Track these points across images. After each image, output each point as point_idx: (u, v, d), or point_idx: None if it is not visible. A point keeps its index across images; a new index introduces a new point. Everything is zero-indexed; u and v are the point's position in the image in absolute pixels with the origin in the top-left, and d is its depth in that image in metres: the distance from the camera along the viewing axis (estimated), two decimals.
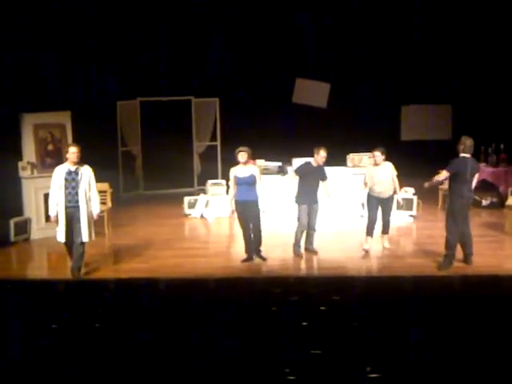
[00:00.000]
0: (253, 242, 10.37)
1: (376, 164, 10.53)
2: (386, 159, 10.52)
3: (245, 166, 10.24)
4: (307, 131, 14.74)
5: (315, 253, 10.61)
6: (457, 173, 9.35)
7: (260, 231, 10.33)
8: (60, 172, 9.51)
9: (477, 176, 9.68)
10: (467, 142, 9.50)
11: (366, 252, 10.58)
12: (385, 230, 10.84)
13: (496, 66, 15.16)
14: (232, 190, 10.34)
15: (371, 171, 10.55)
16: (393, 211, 11.06)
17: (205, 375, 6.02)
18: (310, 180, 10.42)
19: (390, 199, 10.63)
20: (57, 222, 9.55)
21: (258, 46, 15.34)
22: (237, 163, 10.25)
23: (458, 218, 9.45)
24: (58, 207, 9.49)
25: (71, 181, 9.46)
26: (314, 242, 10.70)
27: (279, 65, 15.54)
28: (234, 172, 10.27)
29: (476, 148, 13.41)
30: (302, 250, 10.59)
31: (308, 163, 10.62)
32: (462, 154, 9.44)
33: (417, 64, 15.63)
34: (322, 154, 10.35)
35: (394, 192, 10.60)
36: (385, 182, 10.46)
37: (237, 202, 10.29)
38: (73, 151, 9.46)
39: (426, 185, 9.81)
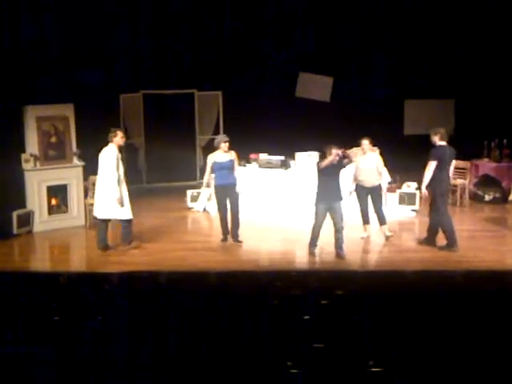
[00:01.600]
0: (232, 226, 10.74)
1: (363, 152, 10.79)
2: (383, 155, 10.71)
3: (224, 153, 10.65)
4: (310, 125, 14.71)
5: (342, 257, 9.94)
6: (439, 160, 9.92)
7: (238, 213, 10.72)
8: (115, 153, 10.32)
9: (454, 163, 10.70)
10: (441, 130, 10.18)
11: (363, 238, 10.84)
12: (381, 222, 10.90)
13: (500, 60, 15.11)
14: (206, 177, 10.85)
15: (358, 159, 10.78)
16: (383, 202, 11.12)
17: (206, 368, 6.03)
18: (328, 178, 9.85)
19: (376, 189, 10.76)
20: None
21: (260, 40, 15.31)
22: (214, 150, 10.79)
23: (446, 200, 10.18)
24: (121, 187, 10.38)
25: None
26: (342, 246, 9.99)
27: (282, 58, 15.51)
28: (214, 158, 10.68)
29: (479, 143, 13.56)
30: (317, 249, 10.20)
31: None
32: (440, 143, 10.04)
33: (420, 58, 15.58)
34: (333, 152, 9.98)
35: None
36: (368, 170, 10.69)
37: (218, 187, 10.70)
38: (122, 135, 10.59)
39: (425, 192, 10.14)
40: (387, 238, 10.86)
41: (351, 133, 14.22)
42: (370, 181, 10.70)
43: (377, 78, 15.59)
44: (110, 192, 10.35)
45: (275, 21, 15.21)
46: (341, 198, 9.97)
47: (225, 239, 10.87)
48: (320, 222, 10.02)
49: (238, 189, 10.67)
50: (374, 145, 10.91)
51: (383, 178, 11.12)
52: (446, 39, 15.33)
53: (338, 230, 9.94)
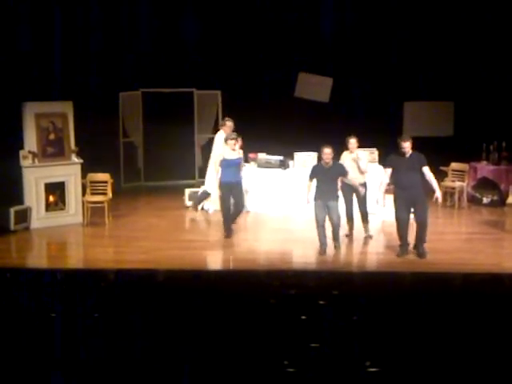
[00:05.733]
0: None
1: (350, 152, 10.84)
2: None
3: (232, 151, 10.78)
4: (309, 125, 14.71)
5: (337, 248, 10.26)
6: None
7: (242, 208, 11.00)
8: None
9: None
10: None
11: (346, 237, 10.83)
12: (364, 219, 10.93)
13: (499, 63, 15.11)
14: (216, 174, 10.93)
15: (344, 158, 10.87)
16: (366, 201, 10.95)
17: (202, 366, 6.01)
18: (323, 180, 10.19)
19: (356, 188, 10.64)
20: None
21: (260, 39, 15.29)
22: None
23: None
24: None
25: None
26: (338, 238, 10.30)
27: (282, 58, 15.49)
28: (223, 154, 10.78)
29: (478, 146, 13.55)
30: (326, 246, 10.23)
31: (318, 165, 10.54)
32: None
33: (420, 60, 15.58)
34: (324, 152, 10.17)
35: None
36: (353, 167, 10.68)
37: (223, 184, 10.71)
38: (230, 124, 11.71)
39: (439, 196, 10.06)
40: (366, 236, 10.88)
41: (350, 134, 14.28)
42: (353, 179, 10.63)
43: (376, 79, 15.58)
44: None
45: (275, 19, 15.21)
46: (337, 198, 10.22)
47: (227, 236, 10.89)
48: (320, 219, 10.11)
49: (244, 187, 10.97)
50: (360, 146, 10.91)
51: (364, 176, 10.98)
52: (445, 41, 15.33)
53: (334, 226, 10.21)
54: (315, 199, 10.18)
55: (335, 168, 10.28)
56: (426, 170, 9.87)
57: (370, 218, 11.01)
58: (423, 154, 9.90)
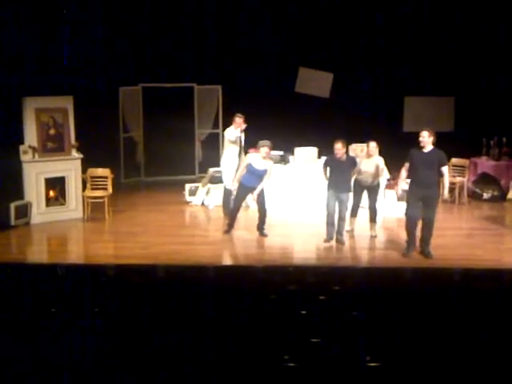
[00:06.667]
0: (259, 221, 10.93)
1: (368, 155, 10.73)
2: (382, 151, 10.75)
3: (263, 159, 10.63)
4: (310, 120, 14.70)
5: (342, 243, 10.39)
6: None
7: (265, 211, 10.86)
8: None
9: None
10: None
11: (348, 232, 10.82)
12: (372, 218, 10.92)
13: (500, 58, 15.10)
14: (239, 173, 10.81)
15: (361, 159, 10.82)
16: (379, 199, 11.08)
17: (203, 363, 6.01)
18: (336, 171, 10.36)
19: (374, 187, 10.78)
20: None
21: (260, 34, 15.27)
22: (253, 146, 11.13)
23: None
24: None
25: None
26: (343, 233, 10.50)
27: (282, 53, 15.48)
28: (251, 160, 10.69)
29: (478, 141, 13.55)
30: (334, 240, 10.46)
31: (330, 157, 10.53)
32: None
33: (420, 55, 15.56)
34: (335, 147, 10.26)
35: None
36: (369, 173, 10.67)
37: (242, 185, 10.72)
38: (238, 121, 11.69)
39: (446, 195, 9.98)
40: (371, 236, 10.89)
41: (350, 129, 14.28)
42: (368, 181, 10.70)
43: (377, 74, 15.57)
44: None
45: (276, 15, 15.19)
46: (348, 190, 10.40)
47: (228, 231, 10.99)
48: (331, 209, 10.29)
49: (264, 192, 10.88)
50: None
51: (383, 176, 11.10)
52: (446, 36, 15.31)
53: (341, 218, 10.37)
54: (328, 189, 10.35)
55: (348, 161, 10.40)
56: (445, 170, 9.63)
57: (378, 218, 11.03)
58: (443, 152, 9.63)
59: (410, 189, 9.79)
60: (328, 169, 10.48)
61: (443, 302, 7.64)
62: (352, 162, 10.49)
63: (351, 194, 10.58)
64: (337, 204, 10.32)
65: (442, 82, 15.68)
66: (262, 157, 10.64)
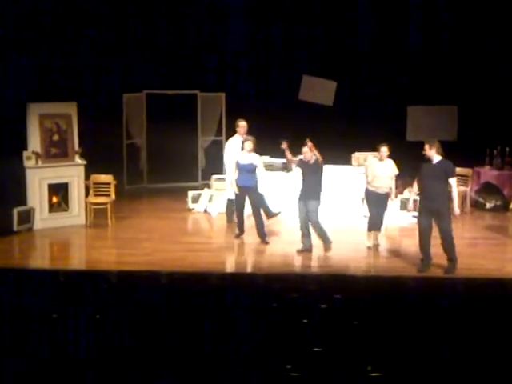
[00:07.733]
0: (256, 227, 10.92)
1: (381, 159, 10.68)
2: (390, 157, 10.68)
3: (247, 153, 10.84)
4: (312, 129, 14.67)
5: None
6: None
7: (258, 215, 10.85)
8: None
9: None
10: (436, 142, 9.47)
11: (369, 248, 10.70)
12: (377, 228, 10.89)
13: (503, 67, 15.10)
14: (233, 174, 10.93)
15: (374, 165, 10.72)
16: (387, 210, 11.05)
17: (204, 370, 6.01)
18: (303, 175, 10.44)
19: (385, 196, 10.72)
20: None
21: (264, 42, 15.31)
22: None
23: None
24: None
25: None
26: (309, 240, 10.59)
27: (286, 61, 15.51)
28: (237, 157, 10.89)
29: (481, 150, 13.53)
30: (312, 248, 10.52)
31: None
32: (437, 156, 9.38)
33: (423, 64, 15.58)
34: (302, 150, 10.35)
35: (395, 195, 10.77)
36: (384, 178, 10.61)
37: (238, 186, 10.88)
38: (241, 125, 11.79)
39: (456, 210, 9.66)
40: (371, 246, 10.82)
41: (353, 137, 14.31)
42: (383, 187, 10.62)
43: (380, 83, 15.58)
44: None
45: (279, 22, 15.22)
46: (314, 198, 10.20)
47: (238, 236, 11.14)
48: (302, 219, 10.31)
49: (259, 190, 10.99)
50: (391, 156, 10.79)
51: (393, 186, 11.01)
52: (449, 46, 15.32)
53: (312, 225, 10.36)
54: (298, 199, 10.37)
55: (314, 164, 10.28)
56: (453, 181, 9.42)
57: (383, 227, 11.03)
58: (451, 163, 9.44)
59: (420, 201, 9.67)
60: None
61: (445, 311, 7.64)
62: (318, 167, 10.28)
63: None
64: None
65: (445, 91, 15.68)
66: (246, 151, 10.85)
